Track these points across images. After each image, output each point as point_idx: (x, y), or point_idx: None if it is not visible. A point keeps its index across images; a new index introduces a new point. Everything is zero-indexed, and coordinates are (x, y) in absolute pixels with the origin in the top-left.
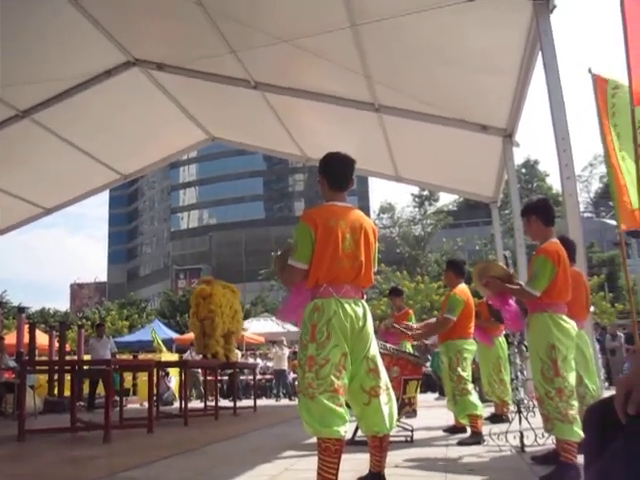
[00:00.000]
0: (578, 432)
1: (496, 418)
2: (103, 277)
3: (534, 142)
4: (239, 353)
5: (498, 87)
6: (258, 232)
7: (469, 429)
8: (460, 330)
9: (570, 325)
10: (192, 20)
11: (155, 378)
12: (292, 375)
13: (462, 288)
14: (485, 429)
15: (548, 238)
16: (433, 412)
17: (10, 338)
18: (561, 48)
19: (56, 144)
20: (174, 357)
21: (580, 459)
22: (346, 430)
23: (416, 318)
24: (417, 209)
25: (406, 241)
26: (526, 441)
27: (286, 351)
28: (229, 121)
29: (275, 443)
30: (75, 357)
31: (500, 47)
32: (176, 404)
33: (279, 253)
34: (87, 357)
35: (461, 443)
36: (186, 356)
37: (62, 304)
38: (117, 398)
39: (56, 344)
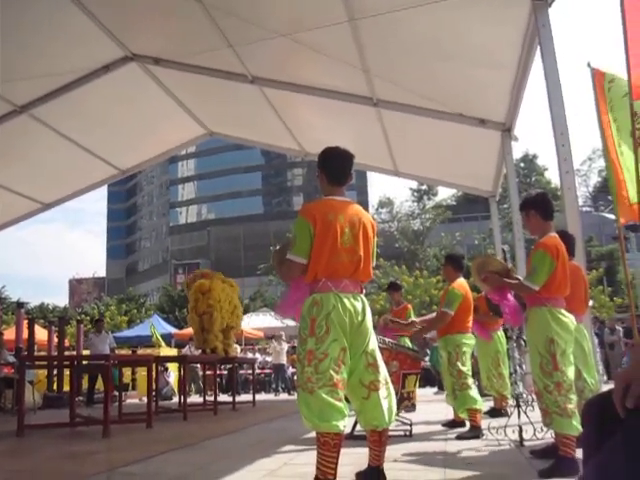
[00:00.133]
0: (577, 426)
1: (495, 412)
2: (102, 272)
3: (533, 136)
4: (238, 348)
5: (497, 81)
6: (257, 227)
7: (468, 423)
8: (458, 324)
9: (569, 319)
10: (190, 15)
11: (154, 373)
12: (291, 370)
13: (460, 282)
14: (484, 423)
15: (547, 232)
16: (432, 406)
17: (9, 333)
18: (560, 42)
19: (54, 139)
20: (173, 352)
21: (579, 453)
22: (345, 424)
23: (415, 313)
24: (416, 203)
25: (405, 235)
26: (525, 435)
27: (285, 346)
28: (227, 116)
29: (274, 438)
30: (74, 352)
31: (499, 41)
32: (175, 399)
33: (278, 248)
34: (86, 352)
35: (460, 437)
36: (185, 351)
37: (61, 299)
38: (116, 393)
39: (55, 339)
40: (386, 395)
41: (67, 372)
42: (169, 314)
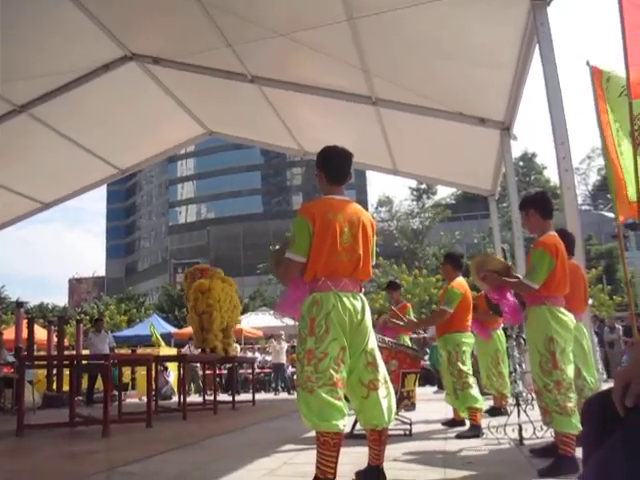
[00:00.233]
0: (576, 425)
1: (495, 411)
2: (101, 272)
3: (532, 135)
4: (238, 347)
5: (496, 80)
6: (256, 226)
7: (468, 422)
8: (458, 323)
9: (568, 318)
10: (189, 14)
11: (154, 372)
12: (291, 369)
13: (460, 281)
14: (484, 422)
15: (546, 231)
16: (432, 405)
17: (9, 333)
18: (558, 41)
19: (54, 139)
20: (172, 351)
21: (578, 452)
22: (345, 424)
23: (414, 312)
24: (415, 202)
25: (404, 234)
26: (525, 434)
27: (284, 345)
28: (226, 115)
29: (274, 437)
30: (74, 352)
31: (498, 40)
32: (175, 398)
33: (276, 248)
34: (86, 352)
35: (460, 436)
36: (185, 350)
37: (60, 299)
38: (116, 393)
39: (55, 339)
40: (385, 394)
41: (67, 372)
42: (168, 313)
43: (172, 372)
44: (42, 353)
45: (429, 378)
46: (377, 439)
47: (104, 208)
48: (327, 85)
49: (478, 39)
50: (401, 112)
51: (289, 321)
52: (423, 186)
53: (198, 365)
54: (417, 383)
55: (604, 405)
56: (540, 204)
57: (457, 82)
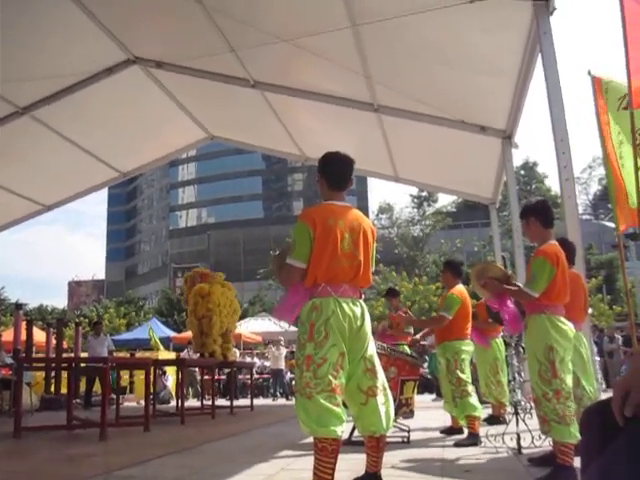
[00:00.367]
0: (575, 434)
1: (493, 420)
2: (101, 275)
3: (533, 144)
4: (237, 352)
5: (498, 88)
6: (256, 231)
7: (466, 430)
8: (457, 331)
9: (568, 327)
10: (192, 18)
11: (152, 376)
12: (289, 375)
13: (459, 289)
14: (482, 430)
15: (547, 240)
16: (430, 413)
17: (7, 335)
18: (561, 50)
19: (56, 141)
20: (171, 356)
21: (577, 461)
22: (343, 430)
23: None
24: (416, 210)
25: (404, 242)
26: (523, 443)
27: (283, 351)
28: (228, 120)
29: (272, 442)
30: (72, 354)
31: (500, 48)
32: (173, 403)
33: (277, 252)
34: (84, 355)
35: (458, 444)
36: (184, 355)
37: (60, 301)
38: (114, 396)
39: (53, 341)
40: (384, 401)
41: (65, 374)
42: (168, 317)
43: (170, 376)
44: (40, 355)
45: (428, 386)
46: (375, 446)
47: (105, 211)
48: (329, 91)
49: (481, 47)
50: (403, 119)
51: (288, 327)
52: (424, 194)
53: (196, 370)
54: (416, 390)
55: (603, 414)
56: (541, 213)
57: (459, 90)
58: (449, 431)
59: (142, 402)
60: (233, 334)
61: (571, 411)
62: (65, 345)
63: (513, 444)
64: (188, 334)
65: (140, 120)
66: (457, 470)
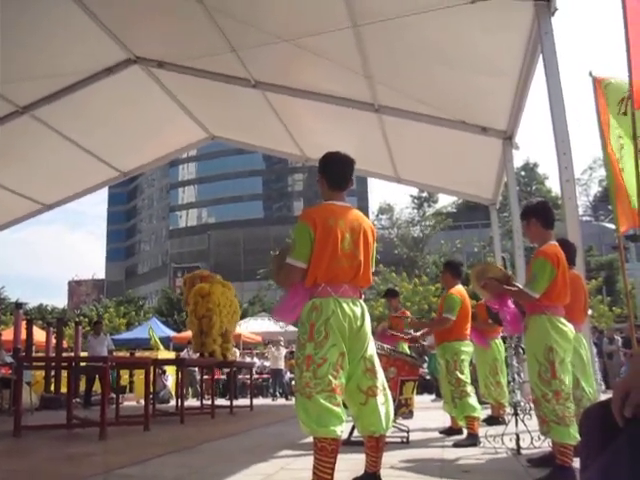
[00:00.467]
0: (574, 435)
1: (492, 420)
2: (101, 274)
3: (534, 145)
4: (237, 352)
5: (499, 89)
6: (257, 231)
7: (465, 431)
8: (456, 332)
9: (568, 328)
10: (193, 18)
11: (152, 376)
12: (289, 375)
13: (459, 289)
14: (481, 431)
15: (547, 241)
16: (429, 414)
17: (7, 334)
18: (562, 51)
19: (56, 140)
20: (171, 355)
21: (576, 462)
22: (342, 430)
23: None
24: (416, 210)
25: (404, 242)
26: (522, 443)
27: (283, 351)
28: (229, 120)
29: (271, 442)
30: (72, 354)
31: (501, 49)
32: (172, 402)
33: (277, 253)
34: (84, 354)
35: (457, 445)
36: (183, 354)
37: (60, 301)
38: (113, 395)
39: (53, 341)
40: (384, 401)
41: (65, 373)
42: (168, 317)
43: (170, 376)
44: (40, 354)
45: (427, 386)
46: (374, 446)
47: (105, 211)
48: (330, 91)
49: (482, 48)
50: (403, 119)
51: (288, 327)
52: (424, 194)
53: (196, 369)
54: (415, 391)
55: (603, 415)
56: (542, 213)
57: (460, 90)
58: (448, 431)
59: (142, 401)
60: (233, 334)
61: (570, 412)
62: (65, 344)
63: (512, 445)
64: (188, 334)
65: (141, 120)
66: (456, 470)
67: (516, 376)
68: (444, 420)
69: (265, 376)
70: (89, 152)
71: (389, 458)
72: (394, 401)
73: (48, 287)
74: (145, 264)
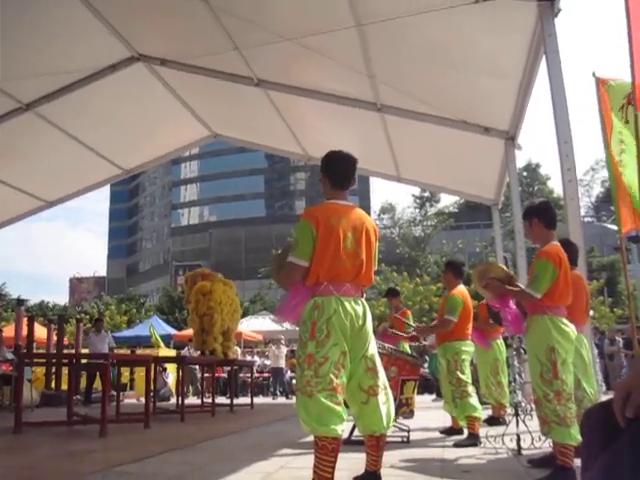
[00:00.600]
0: (575, 436)
1: (493, 420)
2: (102, 272)
3: (536, 145)
4: (238, 350)
5: (501, 90)
6: (258, 230)
7: (466, 431)
8: (458, 332)
9: (570, 328)
10: (196, 16)
11: (152, 373)
12: (289, 373)
13: (460, 289)
14: (482, 431)
15: (549, 241)
16: (430, 413)
17: (8, 330)
18: (565, 52)
19: (59, 137)
20: (172, 353)
21: (577, 463)
22: (343, 429)
23: (414, 319)
24: (418, 210)
25: (406, 242)
26: (523, 444)
27: (284, 349)
28: (231, 118)
29: (271, 440)
30: (73, 351)
31: (504, 50)
32: (173, 400)
33: (279, 252)
34: (85, 351)
35: (457, 445)
36: (184, 352)
37: (61, 298)
38: (114, 393)
39: (54, 337)
40: (385, 400)
41: (65, 370)
42: (169, 315)
43: (171, 374)
44: (41, 351)
45: (428, 386)
46: (375, 445)
47: (107, 208)
48: (333, 90)
49: (485, 48)
50: (406, 119)
51: (289, 326)
52: (426, 194)
53: (197, 367)
54: (416, 390)
55: (604, 416)
56: (544, 214)
57: (462, 90)
58: (449, 431)
59: (142, 399)
60: (234, 333)
61: (572, 412)
62: (66, 341)
63: (513, 445)
64: (189, 332)
65: (143, 117)
66: (456, 470)
67: (517, 376)
68: (445, 420)
69: (266, 375)
70: (92, 149)
71: (389, 457)
72: (395, 400)
73: (49, 284)
74: (146, 262)
